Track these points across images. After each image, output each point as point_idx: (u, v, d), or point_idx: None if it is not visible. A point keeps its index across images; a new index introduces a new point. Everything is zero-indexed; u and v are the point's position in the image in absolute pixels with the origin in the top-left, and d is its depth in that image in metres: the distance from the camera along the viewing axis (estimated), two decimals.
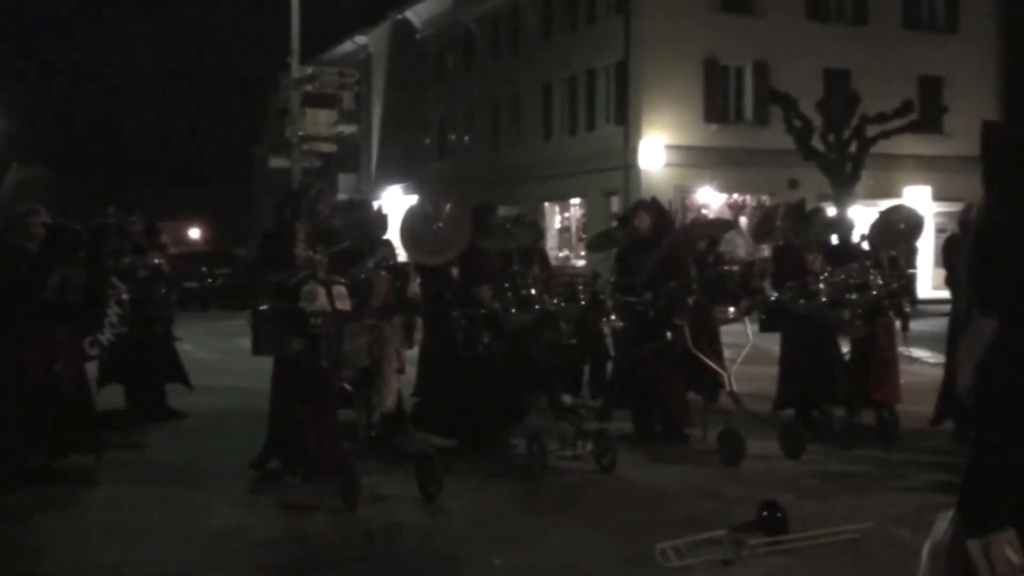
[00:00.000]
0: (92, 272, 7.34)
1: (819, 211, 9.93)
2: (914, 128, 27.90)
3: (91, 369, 8.33)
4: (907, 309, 8.82)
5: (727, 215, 27.00)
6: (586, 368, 10.19)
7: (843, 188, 27.14)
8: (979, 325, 4.04)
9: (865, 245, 9.07)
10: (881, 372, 9.05)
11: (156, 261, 9.70)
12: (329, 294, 6.47)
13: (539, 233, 9.88)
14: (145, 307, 9.42)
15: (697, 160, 30.46)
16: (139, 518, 6.35)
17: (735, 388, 8.11)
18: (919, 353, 12.70)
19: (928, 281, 26.79)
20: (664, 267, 8.46)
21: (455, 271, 9.46)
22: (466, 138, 41.83)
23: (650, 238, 8.79)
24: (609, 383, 9.46)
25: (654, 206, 9.39)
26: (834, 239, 9.48)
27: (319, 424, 7.00)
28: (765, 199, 29.42)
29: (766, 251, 9.22)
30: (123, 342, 8.85)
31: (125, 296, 8.87)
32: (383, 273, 6.82)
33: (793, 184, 28.51)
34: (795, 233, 9.11)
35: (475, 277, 8.19)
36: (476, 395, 8.09)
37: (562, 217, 36.27)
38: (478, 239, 8.00)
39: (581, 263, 30.31)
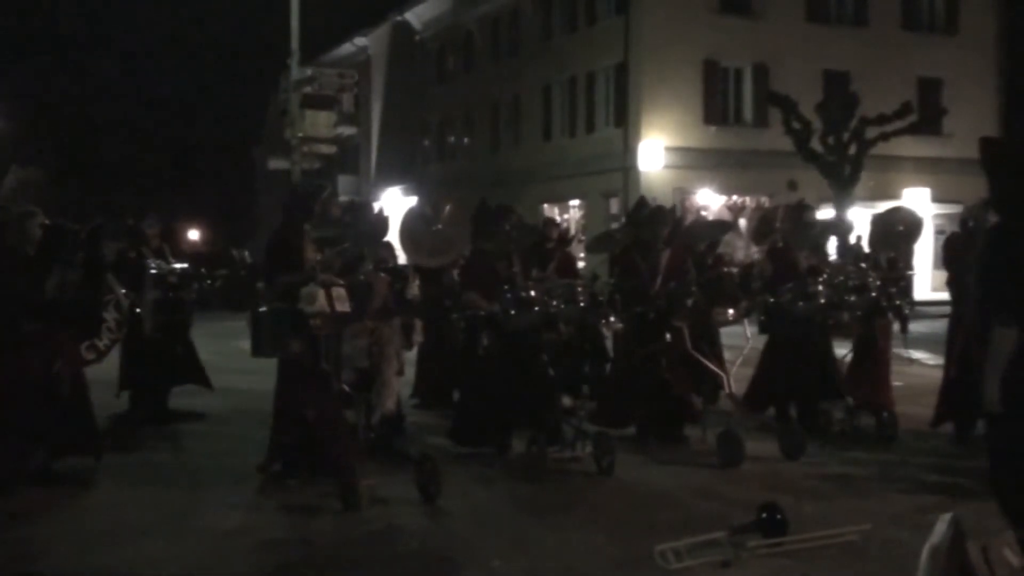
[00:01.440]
0: (89, 273, 7.32)
1: (808, 209, 9.85)
2: (913, 130, 27.92)
3: (95, 371, 8.33)
4: (906, 311, 8.83)
5: (726, 217, 26.96)
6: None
7: (842, 190, 27.16)
8: (1000, 336, 4.04)
9: (864, 246, 9.08)
10: (878, 376, 9.05)
11: (184, 265, 9.67)
12: (328, 295, 6.47)
13: (537, 235, 9.85)
14: (177, 314, 9.40)
15: (696, 162, 30.47)
16: (139, 519, 6.34)
17: (734, 390, 8.11)
18: (918, 355, 12.72)
19: (927, 283, 26.79)
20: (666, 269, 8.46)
21: (456, 273, 9.46)
22: (466, 140, 41.82)
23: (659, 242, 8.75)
24: (610, 388, 9.29)
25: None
26: (833, 240, 9.46)
27: (330, 425, 6.95)
28: (764, 201, 29.43)
29: (756, 253, 9.20)
30: (150, 347, 9.08)
31: (126, 301, 8.88)
32: (382, 275, 6.82)
33: (792, 186, 28.52)
34: (793, 235, 9.11)
35: (467, 282, 8.18)
36: (479, 397, 8.08)
37: (561, 219, 36.25)
38: (481, 241, 8.01)
39: (580, 264, 30.29)
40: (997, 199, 4.29)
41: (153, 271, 9.35)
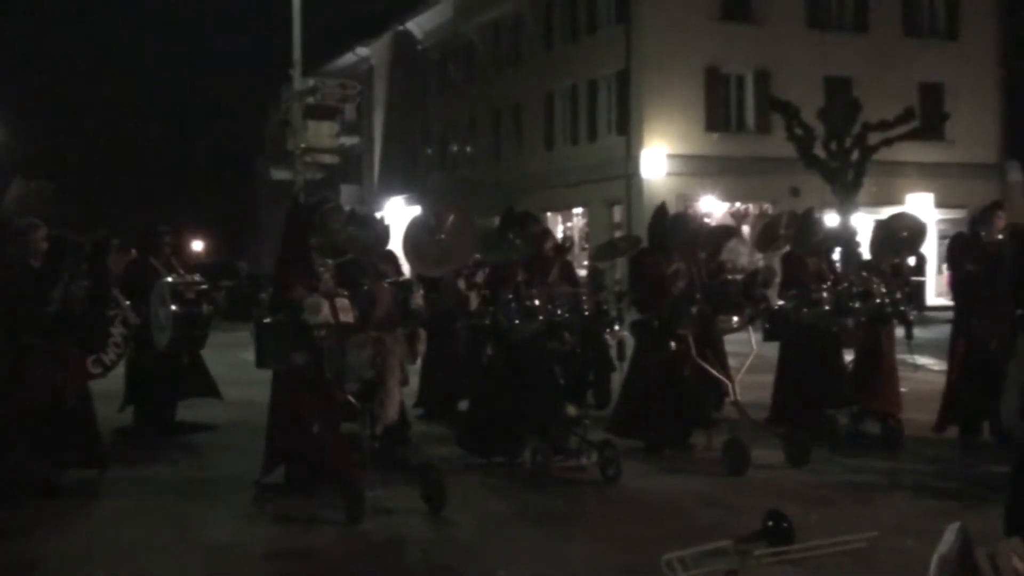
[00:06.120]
0: (94, 286, 7.32)
1: (814, 216, 9.81)
2: (915, 135, 27.88)
3: (99, 384, 8.33)
4: (911, 317, 8.81)
5: (730, 223, 26.97)
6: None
7: (845, 196, 27.12)
8: None
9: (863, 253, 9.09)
10: (885, 382, 9.03)
11: (198, 278, 9.55)
12: (332, 306, 6.47)
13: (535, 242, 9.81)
14: (196, 329, 9.23)
15: (699, 169, 30.48)
16: (142, 532, 6.34)
17: (740, 397, 8.09)
18: (923, 360, 12.69)
19: (931, 288, 26.76)
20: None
21: (461, 282, 9.45)
22: (468, 148, 41.85)
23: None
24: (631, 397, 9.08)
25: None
26: (837, 250, 9.43)
27: (333, 436, 6.92)
28: (767, 207, 29.42)
29: (761, 260, 9.19)
30: (155, 361, 9.06)
31: (133, 316, 8.83)
32: (385, 285, 6.82)
33: (795, 192, 28.50)
34: (797, 241, 9.10)
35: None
36: (486, 407, 8.07)
37: (564, 227, 36.27)
38: (484, 250, 8.01)
39: (583, 273, 30.31)
40: None
41: (169, 282, 9.09)
